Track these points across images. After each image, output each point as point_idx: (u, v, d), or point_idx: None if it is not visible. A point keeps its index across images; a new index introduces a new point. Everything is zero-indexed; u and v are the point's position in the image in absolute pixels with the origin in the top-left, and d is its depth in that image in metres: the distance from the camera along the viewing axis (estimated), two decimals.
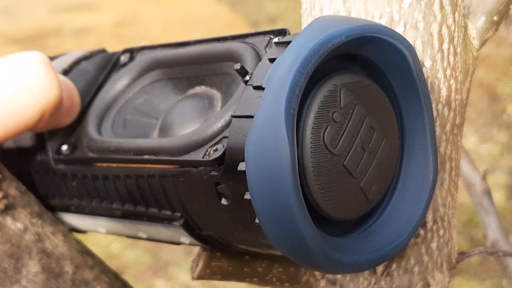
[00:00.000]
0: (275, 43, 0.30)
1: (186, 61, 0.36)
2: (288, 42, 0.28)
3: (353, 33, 0.28)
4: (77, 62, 0.40)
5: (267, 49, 0.32)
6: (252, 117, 0.27)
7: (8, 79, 0.34)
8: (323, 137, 0.28)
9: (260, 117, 0.26)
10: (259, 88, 0.27)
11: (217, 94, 0.34)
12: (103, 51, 0.41)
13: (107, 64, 0.39)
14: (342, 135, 0.28)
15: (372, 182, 0.30)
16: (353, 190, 0.29)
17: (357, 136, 0.29)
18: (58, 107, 0.35)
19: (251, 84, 0.28)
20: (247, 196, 0.27)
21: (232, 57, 0.33)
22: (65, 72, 0.39)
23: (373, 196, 0.30)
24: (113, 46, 0.45)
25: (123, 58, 0.39)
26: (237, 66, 0.29)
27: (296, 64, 0.26)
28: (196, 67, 0.35)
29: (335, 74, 0.29)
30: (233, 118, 0.28)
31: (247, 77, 0.29)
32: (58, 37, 2.81)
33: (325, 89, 0.28)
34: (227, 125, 0.30)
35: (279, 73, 0.26)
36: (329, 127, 0.28)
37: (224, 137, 0.29)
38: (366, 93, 0.30)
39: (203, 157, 0.29)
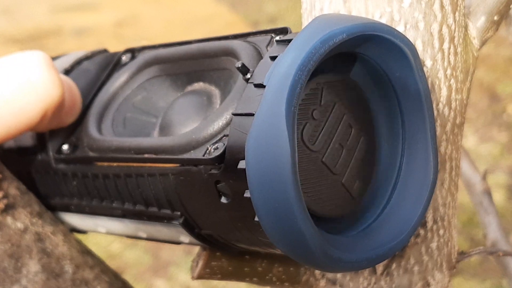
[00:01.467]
0: (276, 41, 0.30)
1: (184, 57, 0.36)
2: (289, 40, 0.28)
3: (354, 31, 0.28)
4: (79, 62, 0.40)
5: (268, 48, 0.32)
6: (252, 115, 0.27)
7: (10, 78, 0.34)
8: (302, 133, 0.28)
9: (261, 115, 0.26)
10: (260, 86, 0.27)
11: (215, 91, 0.34)
12: (104, 51, 0.41)
13: (108, 64, 0.39)
14: (320, 132, 0.29)
15: (354, 179, 0.30)
16: (335, 186, 0.29)
17: (335, 133, 0.29)
18: (60, 107, 0.35)
19: (252, 82, 0.28)
20: (247, 194, 0.27)
21: (230, 52, 0.33)
22: (67, 72, 0.39)
23: (356, 192, 0.30)
24: (113, 46, 0.45)
25: (125, 58, 0.39)
26: (239, 64, 0.29)
27: (297, 62, 0.26)
28: (194, 63, 0.35)
29: (318, 73, 0.29)
30: (233, 116, 0.28)
31: (248, 75, 0.29)
32: (58, 37, 2.81)
33: (308, 87, 0.28)
34: (228, 123, 0.30)
35: (280, 71, 0.26)
36: (308, 124, 0.28)
37: (224, 136, 0.29)
38: (347, 92, 0.30)
39: (203, 156, 0.29)
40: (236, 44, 0.33)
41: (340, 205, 0.30)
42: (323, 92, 0.29)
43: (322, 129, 0.29)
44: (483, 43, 0.36)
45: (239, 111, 0.28)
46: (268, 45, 0.32)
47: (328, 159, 0.29)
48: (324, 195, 0.29)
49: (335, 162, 0.29)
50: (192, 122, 0.33)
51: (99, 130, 0.36)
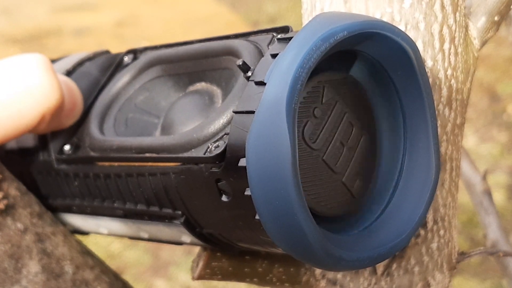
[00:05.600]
0: (277, 39, 0.30)
1: (186, 57, 0.36)
2: (290, 38, 0.28)
3: (355, 28, 0.28)
4: (81, 63, 0.40)
5: (269, 47, 0.32)
6: (253, 112, 0.27)
7: (8, 81, 0.34)
8: (303, 131, 0.28)
9: (261, 113, 0.26)
10: (261, 83, 0.27)
11: (217, 91, 0.34)
12: (106, 52, 0.41)
13: (110, 65, 0.39)
14: (321, 131, 0.29)
15: (355, 178, 0.30)
16: (335, 185, 0.29)
17: (336, 132, 0.29)
18: (59, 110, 0.35)
19: (253, 80, 0.28)
20: (247, 192, 0.27)
21: (231, 51, 0.33)
22: (68, 73, 0.39)
23: (357, 191, 0.30)
24: (113, 46, 0.45)
25: (127, 59, 0.39)
26: (239, 62, 0.29)
27: (297, 60, 0.26)
28: (196, 63, 0.35)
29: (319, 71, 0.29)
30: (234, 114, 0.28)
31: (249, 73, 0.29)
32: (58, 37, 2.82)
33: (309, 85, 0.28)
34: (229, 121, 0.30)
35: (281, 69, 0.26)
36: (309, 122, 0.28)
37: (225, 134, 0.29)
38: (349, 90, 0.30)
39: (204, 154, 0.29)
40: (237, 43, 0.33)
41: (340, 204, 0.30)
42: (325, 91, 0.29)
43: (323, 128, 0.29)
44: (483, 43, 0.36)
45: (240, 109, 0.28)
46: (269, 44, 0.32)
47: (328, 157, 0.29)
48: (324, 194, 0.29)
49: (335, 161, 0.29)
50: (194, 122, 0.33)
51: (101, 130, 0.36)
